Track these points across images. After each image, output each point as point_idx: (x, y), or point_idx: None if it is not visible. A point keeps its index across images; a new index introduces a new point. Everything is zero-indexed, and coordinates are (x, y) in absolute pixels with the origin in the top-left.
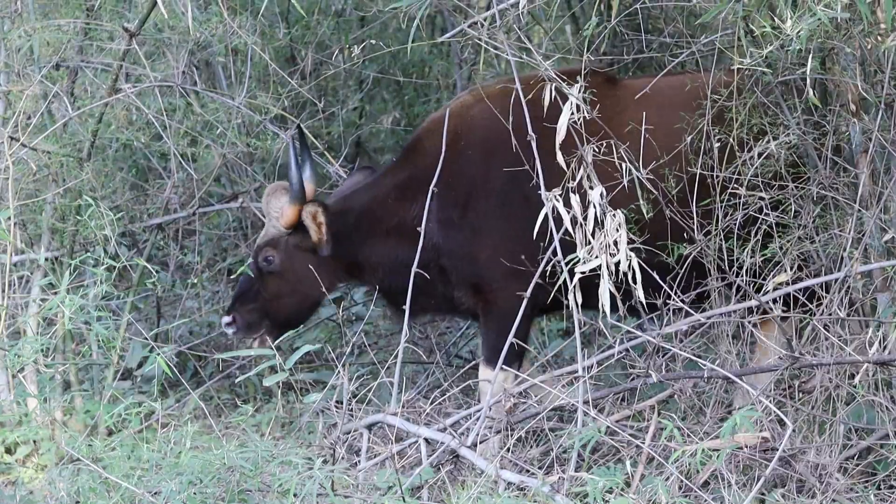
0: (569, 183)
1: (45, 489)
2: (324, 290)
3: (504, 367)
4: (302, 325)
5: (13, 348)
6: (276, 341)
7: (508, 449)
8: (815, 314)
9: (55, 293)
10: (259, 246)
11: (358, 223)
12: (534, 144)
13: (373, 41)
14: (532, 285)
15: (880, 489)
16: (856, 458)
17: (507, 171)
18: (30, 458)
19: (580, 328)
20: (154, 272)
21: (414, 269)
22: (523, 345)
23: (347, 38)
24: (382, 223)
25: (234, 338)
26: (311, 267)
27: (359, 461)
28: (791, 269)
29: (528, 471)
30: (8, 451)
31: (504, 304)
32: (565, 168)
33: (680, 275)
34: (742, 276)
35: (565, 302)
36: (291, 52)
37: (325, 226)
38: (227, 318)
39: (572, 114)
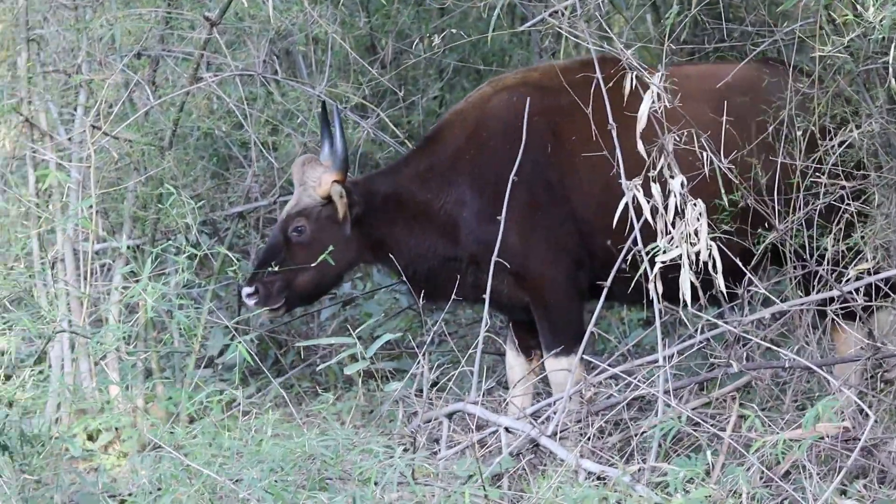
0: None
1: (126, 476)
2: (348, 264)
3: (574, 354)
4: (317, 302)
5: (95, 336)
6: (285, 313)
7: (589, 438)
8: None
9: (137, 281)
10: (290, 215)
11: (383, 206)
12: (614, 133)
13: (453, 30)
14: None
15: None
16: None
17: (530, 159)
18: (112, 446)
19: (661, 317)
20: (235, 260)
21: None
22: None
23: (428, 26)
24: (407, 209)
25: (255, 308)
26: (339, 240)
27: (439, 450)
28: (873, 258)
29: (608, 460)
30: (90, 438)
31: (550, 292)
32: (645, 157)
33: (760, 264)
34: (824, 265)
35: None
36: (372, 40)
37: (347, 204)
38: (248, 289)
39: (653, 102)
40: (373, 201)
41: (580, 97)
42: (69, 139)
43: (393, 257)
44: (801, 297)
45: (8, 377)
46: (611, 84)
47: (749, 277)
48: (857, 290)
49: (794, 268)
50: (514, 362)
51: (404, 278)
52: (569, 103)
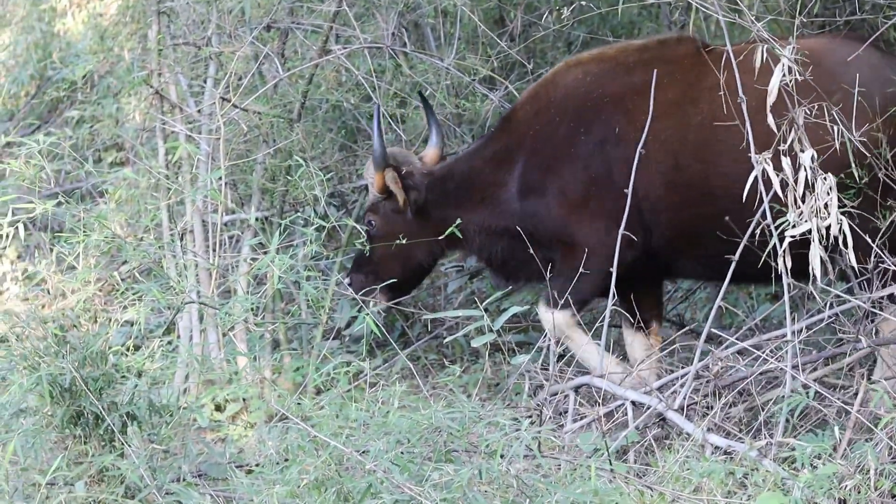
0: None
1: (253, 447)
2: (427, 253)
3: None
4: (414, 290)
5: (224, 307)
6: (389, 303)
7: (715, 413)
8: None
9: (265, 253)
10: (364, 212)
11: (456, 190)
12: (744, 107)
13: (583, 2)
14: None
15: None
16: None
17: (591, 137)
18: (239, 416)
19: (789, 292)
20: (363, 232)
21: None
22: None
23: None
24: (477, 191)
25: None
26: (407, 229)
27: (565, 423)
28: None
29: (735, 435)
30: (218, 408)
31: (584, 259)
32: (776, 130)
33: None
34: None
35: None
36: (500, 13)
37: (403, 189)
38: (347, 280)
39: (784, 76)
40: (446, 187)
41: (659, 73)
42: (199, 111)
43: (466, 241)
44: None
45: (137, 348)
46: (688, 59)
47: (879, 252)
48: None
49: None
50: (632, 338)
51: (483, 262)
52: (642, 81)
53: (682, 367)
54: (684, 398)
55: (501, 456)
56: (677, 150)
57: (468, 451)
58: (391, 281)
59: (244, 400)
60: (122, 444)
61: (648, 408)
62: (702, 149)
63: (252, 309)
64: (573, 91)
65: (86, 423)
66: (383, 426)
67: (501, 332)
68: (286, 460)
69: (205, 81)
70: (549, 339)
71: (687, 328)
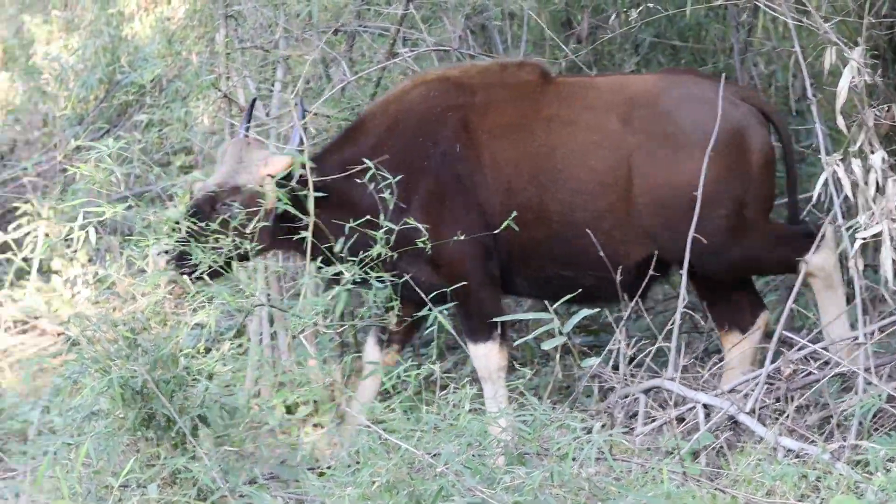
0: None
1: (325, 449)
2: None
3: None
4: None
5: (293, 310)
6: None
7: (788, 416)
8: None
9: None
10: (224, 190)
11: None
12: (814, 109)
13: (650, 4)
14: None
15: None
16: None
17: (441, 151)
18: (310, 419)
19: (861, 294)
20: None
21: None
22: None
23: (624, 1)
24: (330, 198)
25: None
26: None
27: (636, 426)
28: None
29: (807, 438)
30: (288, 410)
31: (461, 279)
32: (846, 132)
33: None
34: None
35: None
36: (567, 16)
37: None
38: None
39: (853, 78)
40: (296, 190)
41: (495, 96)
42: (267, 114)
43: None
44: None
45: (208, 350)
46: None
47: None
48: None
49: None
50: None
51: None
52: (482, 102)
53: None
54: (756, 401)
55: (573, 459)
56: (511, 174)
57: (539, 454)
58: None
59: (314, 402)
60: (194, 446)
61: (720, 411)
62: (537, 175)
63: (321, 311)
64: (418, 106)
65: (157, 425)
66: (454, 429)
67: (572, 334)
68: (357, 463)
69: (273, 85)
70: (620, 342)
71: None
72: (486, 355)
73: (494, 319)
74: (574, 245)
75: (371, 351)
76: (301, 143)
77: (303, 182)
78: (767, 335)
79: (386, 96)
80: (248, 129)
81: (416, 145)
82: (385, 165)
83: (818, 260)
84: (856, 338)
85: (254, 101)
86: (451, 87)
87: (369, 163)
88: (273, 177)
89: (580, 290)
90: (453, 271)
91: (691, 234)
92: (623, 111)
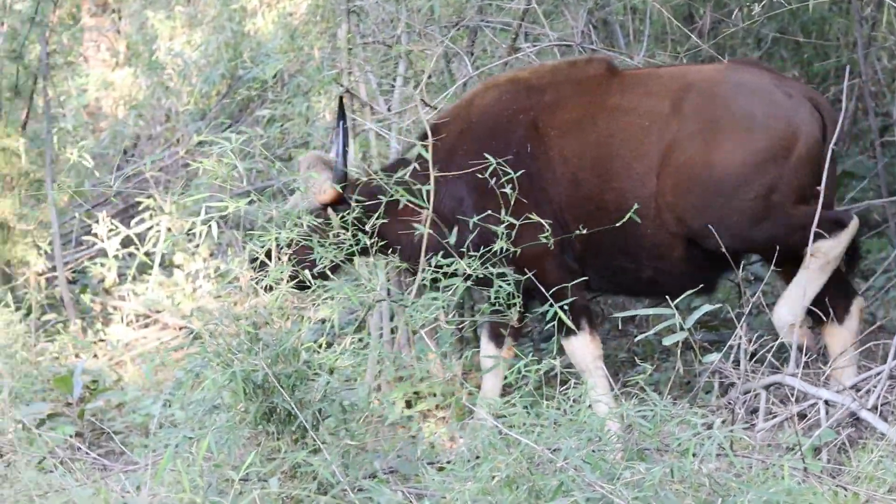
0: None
1: (445, 443)
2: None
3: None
4: None
5: (414, 305)
6: None
7: None
8: None
9: None
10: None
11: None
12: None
13: None
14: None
15: None
16: None
17: (513, 153)
18: (431, 413)
19: None
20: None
21: None
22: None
23: None
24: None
25: None
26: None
27: (757, 422)
28: None
29: None
30: (408, 405)
31: (540, 275)
32: None
33: None
34: None
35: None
36: (689, 10)
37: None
38: None
39: None
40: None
41: (563, 93)
42: (388, 109)
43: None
44: None
45: (329, 345)
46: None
47: None
48: None
49: None
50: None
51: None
52: (551, 100)
53: (877, 366)
54: (878, 397)
55: (693, 455)
56: (576, 166)
57: (660, 450)
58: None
59: (435, 396)
60: (315, 440)
61: (842, 407)
62: (597, 165)
63: (442, 306)
64: (490, 111)
65: (278, 419)
66: (574, 424)
67: (693, 330)
68: (477, 457)
69: (394, 80)
70: (741, 338)
71: (878, 324)
72: (580, 347)
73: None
74: (630, 234)
75: (487, 346)
76: (345, 163)
77: (370, 192)
78: (890, 330)
79: (459, 101)
80: (344, 127)
81: (489, 148)
82: (460, 169)
83: (827, 244)
84: None
85: (341, 99)
86: (522, 89)
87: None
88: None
89: (641, 281)
90: (533, 268)
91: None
92: (677, 97)
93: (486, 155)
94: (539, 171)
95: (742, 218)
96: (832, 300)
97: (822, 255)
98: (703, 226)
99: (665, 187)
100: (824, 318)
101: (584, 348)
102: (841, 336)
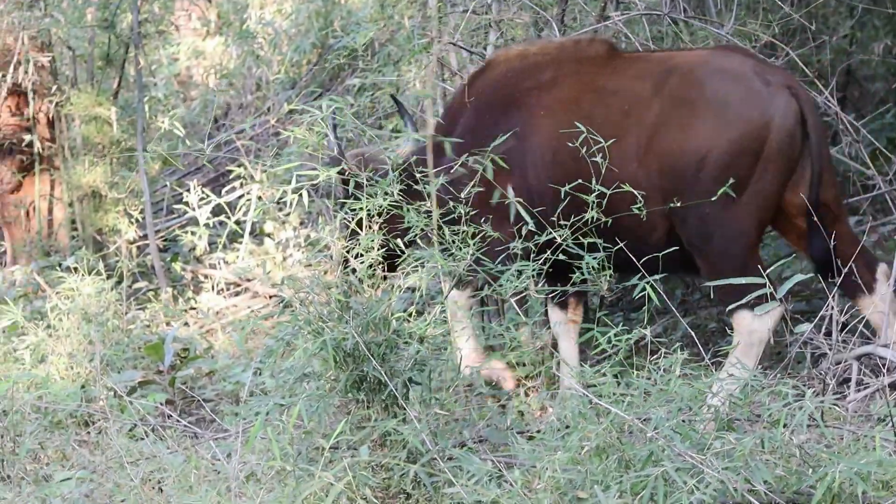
0: None
1: (534, 412)
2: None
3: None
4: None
5: (504, 274)
6: None
7: None
8: None
9: None
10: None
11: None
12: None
13: None
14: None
15: None
16: None
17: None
18: (521, 383)
19: None
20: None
21: None
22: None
23: None
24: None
25: None
26: None
27: (848, 392)
28: None
29: None
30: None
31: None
32: None
33: None
34: None
35: None
36: None
37: None
38: None
39: None
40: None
41: (563, 71)
42: None
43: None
44: None
45: (419, 313)
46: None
47: None
48: None
49: None
50: (868, 303)
51: None
52: (548, 79)
53: None
54: None
55: (784, 425)
56: (556, 147)
57: (750, 420)
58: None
59: (524, 366)
60: (404, 409)
61: None
62: (576, 145)
63: (532, 275)
64: (494, 85)
65: (368, 387)
66: (665, 394)
67: (784, 300)
68: (567, 427)
69: (485, 49)
70: (833, 308)
71: None
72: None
73: None
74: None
75: (555, 313)
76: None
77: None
78: None
79: (477, 69)
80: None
81: (485, 124)
82: (467, 146)
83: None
84: None
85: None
86: (528, 65)
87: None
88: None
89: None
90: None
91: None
92: (659, 80)
93: (477, 130)
94: (524, 151)
95: (712, 207)
96: (858, 270)
97: (745, 334)
98: (679, 214)
99: (646, 170)
100: (854, 291)
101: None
102: (876, 307)
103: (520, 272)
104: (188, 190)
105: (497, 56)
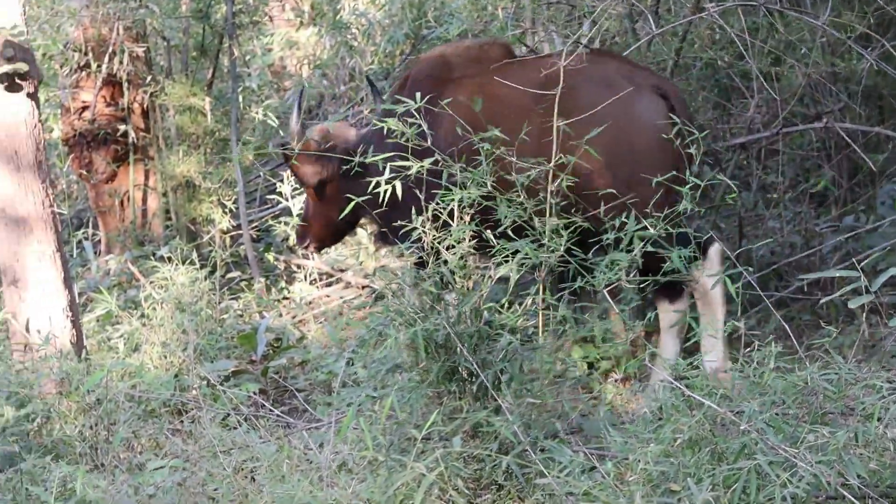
0: None
1: (628, 404)
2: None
3: None
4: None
5: (598, 266)
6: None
7: None
8: None
9: None
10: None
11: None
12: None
13: None
14: None
15: None
16: None
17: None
18: (611, 374)
19: None
20: (737, 191)
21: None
22: None
23: None
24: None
25: None
26: None
27: None
28: None
29: None
30: (591, 366)
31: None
32: None
33: None
34: None
35: None
36: None
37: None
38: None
39: None
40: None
41: (467, 72)
42: None
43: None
44: None
45: (511, 304)
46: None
47: None
48: None
49: None
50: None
51: None
52: (458, 77)
53: None
54: None
55: (878, 419)
56: (451, 145)
57: (843, 414)
58: None
59: (615, 358)
60: (496, 400)
61: None
62: (467, 150)
63: (625, 267)
64: (415, 84)
65: (460, 378)
66: (758, 387)
67: (879, 293)
68: (660, 419)
69: (578, 40)
70: None
71: None
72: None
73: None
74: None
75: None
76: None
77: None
78: None
79: (406, 70)
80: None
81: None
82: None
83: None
84: None
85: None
86: (443, 65)
87: None
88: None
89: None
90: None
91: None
92: (535, 87)
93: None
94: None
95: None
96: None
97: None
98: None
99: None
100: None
101: None
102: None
103: (612, 263)
104: (281, 180)
105: (423, 55)
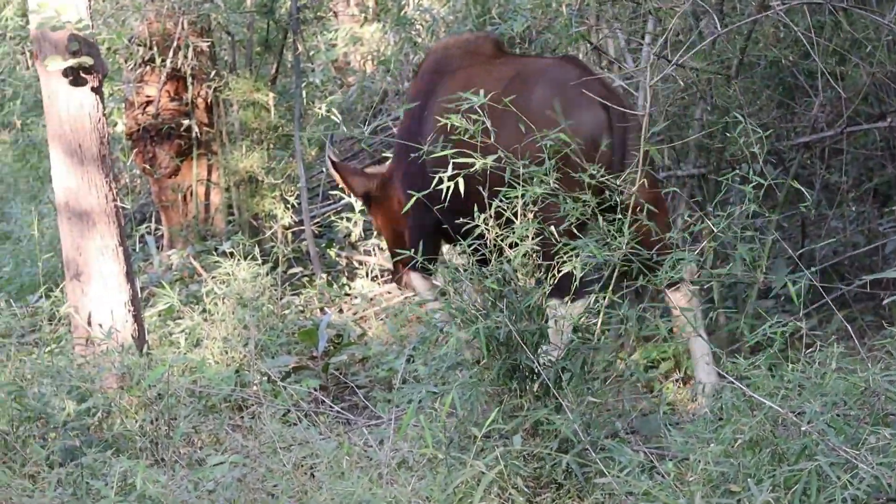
0: None
1: (686, 404)
2: None
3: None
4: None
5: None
6: None
7: None
8: None
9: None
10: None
11: None
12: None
13: None
14: None
15: None
16: None
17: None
18: (671, 374)
19: None
20: (804, 191)
21: None
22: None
23: None
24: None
25: None
26: None
27: None
28: None
29: None
30: (652, 365)
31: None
32: None
33: None
34: None
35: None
36: None
37: None
38: None
39: None
40: None
41: (463, 64)
42: (636, 67)
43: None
44: None
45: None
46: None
47: None
48: None
49: None
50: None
51: None
52: (454, 68)
53: None
54: None
55: None
56: (437, 137)
57: None
58: None
59: (675, 357)
60: (557, 398)
61: None
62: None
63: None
64: (423, 70)
65: (521, 377)
66: (819, 388)
67: None
68: (720, 419)
69: (643, 37)
70: None
71: None
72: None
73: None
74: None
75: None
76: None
77: None
78: None
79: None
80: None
81: (408, 113)
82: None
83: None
84: None
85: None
86: (444, 57)
87: None
88: None
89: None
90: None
91: None
92: (508, 83)
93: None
94: (423, 134)
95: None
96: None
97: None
98: None
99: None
100: None
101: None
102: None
103: (675, 262)
104: None
105: (434, 46)
